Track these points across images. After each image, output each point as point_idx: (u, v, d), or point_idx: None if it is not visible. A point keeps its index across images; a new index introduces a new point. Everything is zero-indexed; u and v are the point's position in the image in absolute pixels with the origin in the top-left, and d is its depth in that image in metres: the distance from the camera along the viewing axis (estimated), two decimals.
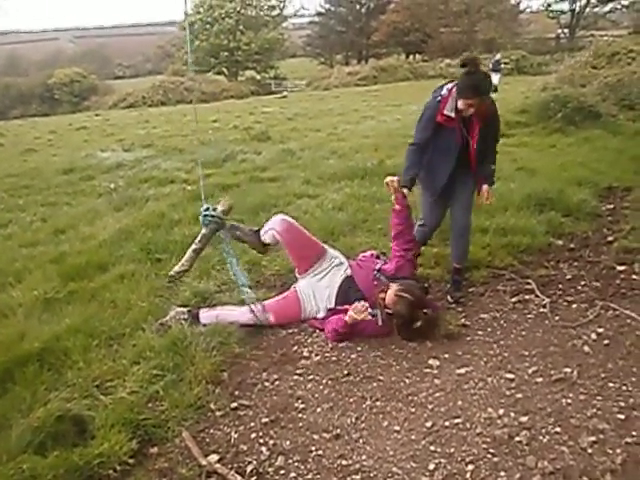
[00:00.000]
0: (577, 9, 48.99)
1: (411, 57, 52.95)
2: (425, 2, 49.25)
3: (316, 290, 4.24)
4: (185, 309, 4.22)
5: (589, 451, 2.80)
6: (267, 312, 4.19)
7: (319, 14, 60.28)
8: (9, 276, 5.29)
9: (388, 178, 4.24)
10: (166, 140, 15.66)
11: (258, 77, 55.13)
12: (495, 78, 23.62)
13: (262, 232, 4.38)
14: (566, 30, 50.49)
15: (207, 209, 4.13)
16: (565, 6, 49.80)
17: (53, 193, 9.62)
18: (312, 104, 26.40)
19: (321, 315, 4.18)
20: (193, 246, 4.19)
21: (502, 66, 26.58)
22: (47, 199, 9.14)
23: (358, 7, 57.59)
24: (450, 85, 4.21)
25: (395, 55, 53.14)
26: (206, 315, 4.18)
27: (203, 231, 4.13)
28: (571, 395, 3.25)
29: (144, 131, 19.32)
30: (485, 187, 4.42)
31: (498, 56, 26.88)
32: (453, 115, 4.12)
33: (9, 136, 22.44)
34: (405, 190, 4.20)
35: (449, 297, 4.56)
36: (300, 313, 4.26)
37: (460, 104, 4.04)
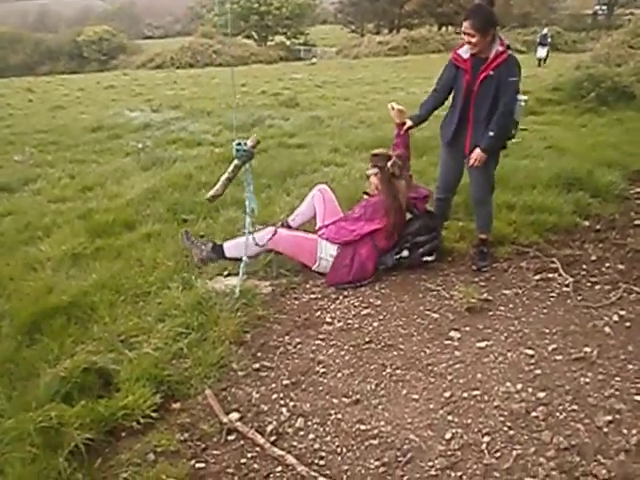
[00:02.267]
0: None
1: (443, 29, 52.05)
2: None
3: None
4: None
5: (604, 430, 2.81)
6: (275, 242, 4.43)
7: None
8: (38, 230, 5.40)
9: (392, 103, 4.62)
10: (194, 102, 15.66)
11: (287, 43, 54.63)
12: (542, 51, 24.73)
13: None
14: (604, 7, 49.27)
15: (239, 143, 4.25)
16: None
17: (81, 150, 9.72)
18: (341, 72, 26.20)
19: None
20: (226, 174, 4.32)
21: (549, 40, 26.64)
22: (75, 156, 9.23)
23: None
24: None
25: (427, 26, 52.29)
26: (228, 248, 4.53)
27: (235, 162, 4.27)
28: (590, 374, 3.25)
29: (172, 92, 19.33)
30: (477, 151, 4.26)
31: (545, 30, 26.92)
32: (465, 56, 4.21)
33: (38, 92, 22.58)
34: (408, 122, 4.60)
35: (473, 266, 4.61)
36: (313, 263, 4.51)
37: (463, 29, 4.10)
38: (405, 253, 4.54)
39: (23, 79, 32.28)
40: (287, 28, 54.43)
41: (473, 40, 4.04)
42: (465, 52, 4.20)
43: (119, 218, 5.50)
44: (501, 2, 45.72)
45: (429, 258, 4.62)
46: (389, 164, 4.47)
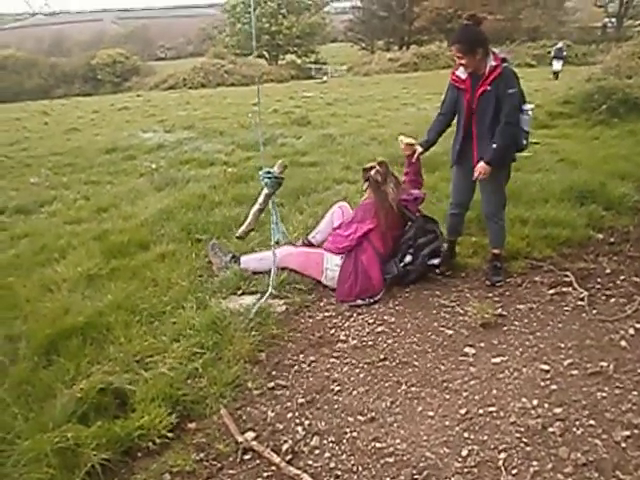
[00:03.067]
0: None
1: None
2: None
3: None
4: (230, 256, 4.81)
5: (623, 445, 2.79)
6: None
7: None
8: (54, 252, 5.46)
9: (400, 137, 4.88)
10: (207, 122, 15.78)
11: (298, 61, 54.99)
12: (558, 64, 25.09)
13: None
14: (613, 19, 49.19)
15: (267, 172, 4.36)
16: None
17: (96, 172, 9.84)
18: (352, 90, 26.31)
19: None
20: (257, 206, 4.47)
21: (565, 53, 27.19)
22: (90, 178, 9.35)
23: None
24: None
25: (437, 42, 52.46)
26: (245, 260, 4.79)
27: (265, 191, 4.39)
28: (606, 389, 3.23)
29: (185, 113, 19.49)
30: (481, 163, 4.28)
31: (560, 44, 27.23)
32: (463, 76, 4.35)
33: (53, 115, 22.86)
34: (418, 148, 4.79)
35: (487, 281, 4.63)
36: (320, 275, 4.66)
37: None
38: (408, 258, 4.60)
39: (39, 102, 32.70)
40: (298, 47, 54.81)
41: (463, 62, 4.21)
42: (462, 72, 4.34)
43: (134, 239, 5.55)
44: (510, 16, 45.89)
45: (435, 261, 4.66)
46: (372, 173, 4.74)
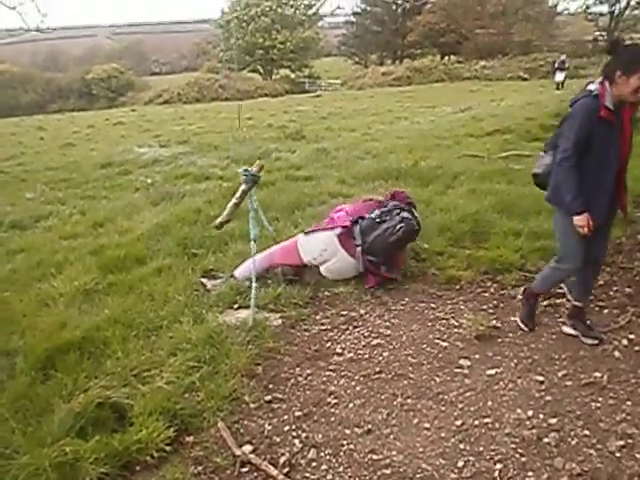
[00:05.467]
0: (616, 11, 48.08)
1: (446, 58, 52.56)
2: (461, 3, 48.80)
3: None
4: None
5: (617, 455, 2.83)
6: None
7: (355, 14, 60.10)
8: (50, 267, 5.48)
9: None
10: (201, 137, 15.89)
11: (292, 76, 55.26)
12: (560, 76, 27.25)
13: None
14: (604, 33, 49.60)
15: (245, 169, 4.60)
16: (604, 8, 48.94)
17: (91, 187, 9.88)
18: (346, 104, 26.46)
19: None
20: (233, 200, 4.64)
21: (567, 65, 28.71)
22: (86, 192, 9.39)
23: (394, 7, 57.26)
24: (596, 81, 3.54)
25: (430, 56, 52.87)
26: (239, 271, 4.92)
27: (242, 187, 4.59)
28: (600, 399, 3.27)
29: (180, 127, 19.58)
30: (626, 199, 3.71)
31: (563, 57, 28.92)
32: (612, 107, 3.42)
33: (49, 130, 22.94)
34: (583, 216, 3.48)
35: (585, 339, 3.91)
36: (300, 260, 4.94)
37: (635, 81, 3.30)
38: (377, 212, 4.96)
39: (34, 117, 32.80)
40: (292, 61, 55.10)
41: None
42: (610, 102, 3.42)
43: (130, 253, 5.57)
44: (502, 30, 46.27)
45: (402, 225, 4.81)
46: None
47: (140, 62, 74.94)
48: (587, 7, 49.46)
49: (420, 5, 55.25)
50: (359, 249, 4.82)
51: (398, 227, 4.78)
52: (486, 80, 38.42)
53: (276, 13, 52.17)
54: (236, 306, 4.49)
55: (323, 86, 48.65)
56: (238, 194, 4.64)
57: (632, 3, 45.76)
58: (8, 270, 5.60)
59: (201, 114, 25.61)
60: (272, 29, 52.20)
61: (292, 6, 54.60)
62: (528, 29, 46.18)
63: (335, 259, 4.86)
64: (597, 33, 50.54)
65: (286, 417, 3.27)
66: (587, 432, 3.00)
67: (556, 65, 28.77)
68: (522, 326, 4.09)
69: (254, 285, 4.28)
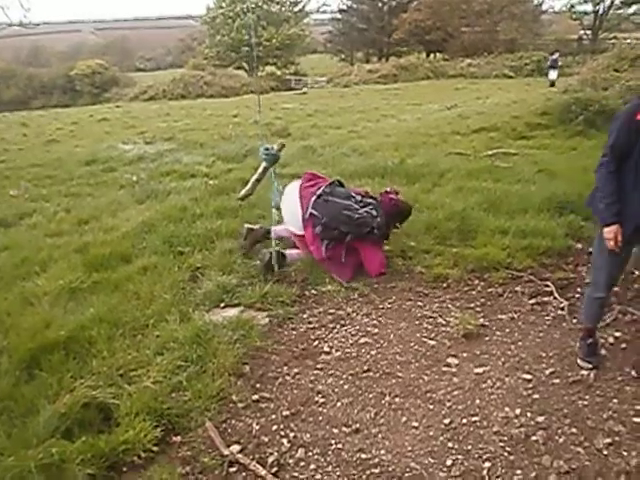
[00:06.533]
0: (601, 11, 48.36)
1: (432, 56, 52.65)
2: (447, 1, 48.81)
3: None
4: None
5: (604, 452, 2.84)
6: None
7: (341, 11, 59.97)
8: (35, 265, 5.42)
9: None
10: (187, 134, 15.77)
11: (278, 73, 55.09)
12: (553, 74, 28.07)
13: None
14: (589, 32, 49.88)
15: (266, 148, 4.90)
16: (589, 7, 49.17)
17: (76, 184, 9.78)
18: (332, 101, 26.42)
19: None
20: (255, 176, 5.06)
21: (559, 63, 29.65)
22: (70, 190, 9.30)
23: (380, 5, 57.21)
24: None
25: (416, 54, 52.91)
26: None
27: (263, 164, 4.96)
28: (587, 397, 3.29)
29: (165, 124, 19.43)
30: None
31: (556, 55, 29.69)
32: None
33: (32, 126, 22.66)
34: (612, 228, 3.27)
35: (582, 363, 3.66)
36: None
37: None
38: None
39: (17, 114, 32.38)
40: (277, 58, 54.83)
41: None
42: None
43: (115, 251, 5.51)
44: (487, 28, 46.42)
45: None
46: None
47: (125, 58, 74.34)
48: (572, 6, 49.72)
49: (406, 3, 55.27)
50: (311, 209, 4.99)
51: (361, 212, 4.93)
52: (472, 78, 38.45)
53: (262, 10, 51.96)
54: (223, 305, 4.47)
55: (309, 83, 48.52)
56: (260, 170, 5.06)
57: (616, 2, 46.07)
58: None
59: (187, 111, 25.43)
60: (258, 26, 52.00)
61: (277, 2, 54.40)
62: (513, 27, 46.31)
63: (288, 200, 5.18)
64: (582, 32, 50.87)
65: (274, 416, 3.26)
66: (574, 430, 3.01)
67: (549, 63, 29.80)
68: (583, 365, 3.59)
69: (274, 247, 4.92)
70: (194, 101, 34.93)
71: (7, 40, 74.94)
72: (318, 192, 5.04)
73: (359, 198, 5.06)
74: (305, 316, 4.41)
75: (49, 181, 10.26)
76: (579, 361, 3.64)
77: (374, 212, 4.95)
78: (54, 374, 3.49)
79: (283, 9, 55.38)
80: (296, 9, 57.02)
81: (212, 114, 22.27)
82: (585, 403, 3.23)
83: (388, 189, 5.36)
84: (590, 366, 3.58)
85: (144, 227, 6.18)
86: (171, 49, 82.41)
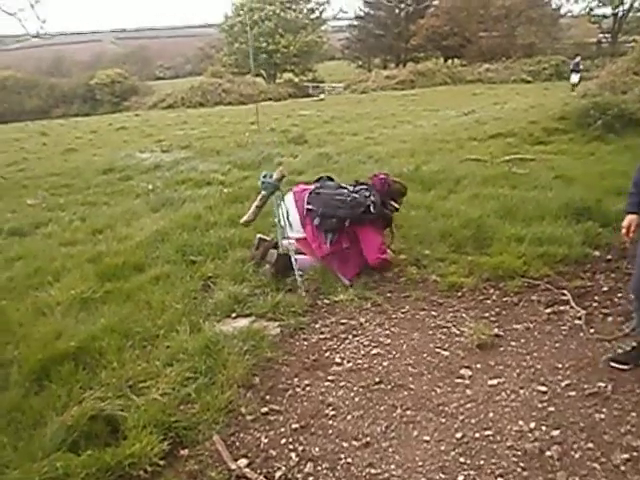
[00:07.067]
0: (620, 14, 47.90)
1: (449, 61, 52.50)
2: (465, 6, 48.72)
3: None
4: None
5: (622, 469, 2.75)
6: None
7: (358, 17, 60.13)
8: (48, 274, 5.43)
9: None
10: (204, 141, 15.83)
11: (296, 80, 55.25)
12: (575, 77, 28.22)
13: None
14: (608, 35, 49.49)
15: (265, 176, 4.79)
16: (608, 10, 48.76)
17: (92, 193, 9.85)
18: (349, 107, 26.42)
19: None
20: (256, 202, 4.93)
21: (581, 67, 29.92)
22: (86, 198, 9.36)
23: (397, 11, 57.26)
24: None
25: (433, 59, 52.87)
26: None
27: (263, 192, 4.83)
28: (605, 410, 3.19)
29: (182, 132, 19.55)
30: None
31: (578, 59, 29.86)
32: None
33: (52, 135, 22.94)
34: (628, 218, 3.50)
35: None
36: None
37: None
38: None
39: (38, 123, 32.80)
40: (295, 65, 55.06)
41: None
42: None
43: (129, 261, 5.52)
44: (505, 33, 46.18)
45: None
46: None
47: (144, 67, 75.01)
48: (590, 9, 49.37)
49: (423, 9, 55.21)
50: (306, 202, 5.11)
51: (353, 195, 5.02)
52: (489, 83, 38.33)
53: (279, 17, 52.14)
54: (234, 315, 4.44)
55: (327, 90, 48.60)
56: (259, 197, 4.93)
57: (636, 5, 45.64)
58: (6, 278, 5.54)
59: (204, 119, 25.58)
60: (275, 33, 52.19)
61: (295, 10, 54.56)
62: (532, 32, 46.09)
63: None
64: (601, 35, 50.47)
65: (283, 429, 3.20)
66: (591, 445, 2.92)
67: (571, 67, 29.97)
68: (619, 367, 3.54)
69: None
70: (212, 109, 35.17)
71: (29, 51, 76.16)
72: (310, 190, 5.18)
73: (350, 188, 5.16)
74: (317, 326, 4.36)
75: (66, 190, 10.35)
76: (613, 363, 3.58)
77: (366, 193, 5.04)
78: (63, 385, 3.48)
79: (300, 16, 55.55)
80: (313, 16, 57.22)
81: (229, 121, 22.39)
82: (602, 417, 3.14)
83: (376, 172, 5.51)
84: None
85: (158, 236, 6.18)
86: (190, 57, 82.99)
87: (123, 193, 9.56)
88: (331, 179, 5.50)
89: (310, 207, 5.06)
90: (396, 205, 5.27)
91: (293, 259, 4.86)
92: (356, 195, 5.01)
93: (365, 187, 5.15)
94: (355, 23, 61.19)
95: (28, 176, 12.31)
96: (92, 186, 10.43)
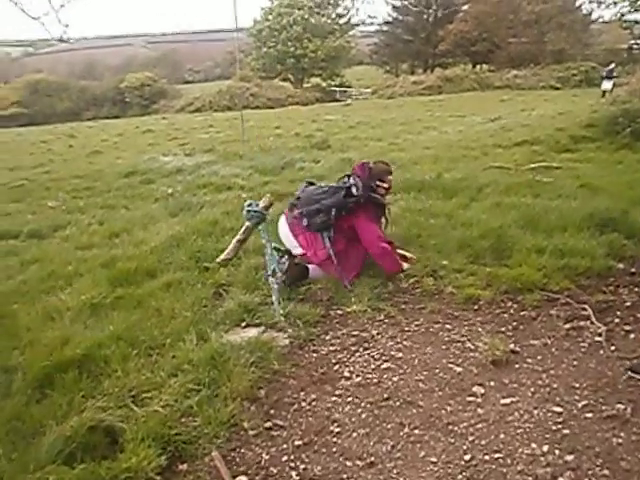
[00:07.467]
0: None
1: (478, 67, 52.17)
2: (494, 11, 48.32)
3: None
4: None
5: None
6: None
7: (386, 23, 60.04)
8: (60, 279, 5.41)
9: None
10: (227, 145, 15.87)
11: (323, 84, 55.34)
12: (608, 84, 27.91)
13: None
14: (639, 41, 48.72)
15: (250, 204, 4.51)
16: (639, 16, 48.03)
17: (113, 196, 9.88)
18: (375, 112, 26.32)
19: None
20: (238, 236, 4.61)
21: (615, 74, 29.34)
22: (107, 202, 9.39)
23: (425, 16, 57.09)
24: None
25: (461, 65, 52.60)
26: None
27: (247, 224, 4.53)
28: (622, 434, 3.03)
29: (207, 135, 19.63)
30: None
31: (612, 65, 29.66)
32: None
33: (79, 137, 23.22)
34: None
35: None
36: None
37: None
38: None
39: (67, 125, 33.26)
40: (323, 70, 55.23)
41: None
42: None
43: (141, 266, 5.46)
44: (534, 39, 45.70)
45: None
46: None
47: (174, 70, 75.82)
48: (622, 15, 48.52)
49: (452, 14, 54.92)
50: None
51: (330, 185, 5.10)
52: (518, 89, 37.99)
53: (307, 22, 52.30)
54: (244, 324, 4.35)
55: (354, 95, 48.57)
56: (242, 230, 4.67)
57: None
58: (19, 281, 5.54)
59: (230, 122, 25.62)
60: (303, 38, 52.37)
61: (323, 15, 54.67)
62: (562, 38, 45.56)
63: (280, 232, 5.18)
64: (632, 41, 49.63)
65: (285, 446, 3.10)
66: (606, 472, 2.77)
67: (604, 74, 29.50)
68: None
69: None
70: (239, 112, 35.26)
71: (62, 54, 77.35)
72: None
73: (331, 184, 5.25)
74: (327, 337, 4.25)
75: (87, 193, 10.41)
76: None
77: (345, 179, 5.09)
78: (66, 394, 3.41)
79: (329, 21, 55.72)
80: (342, 21, 57.34)
81: (254, 125, 22.37)
82: (620, 441, 2.98)
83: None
84: None
85: (173, 241, 6.13)
86: (219, 62, 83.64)
87: (143, 197, 9.58)
88: (312, 183, 5.47)
89: (296, 213, 5.04)
90: (384, 185, 5.20)
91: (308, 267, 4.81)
92: (334, 184, 5.09)
93: (344, 176, 5.21)
94: (383, 28, 61.09)
95: (52, 178, 12.45)
96: (113, 189, 10.49)
